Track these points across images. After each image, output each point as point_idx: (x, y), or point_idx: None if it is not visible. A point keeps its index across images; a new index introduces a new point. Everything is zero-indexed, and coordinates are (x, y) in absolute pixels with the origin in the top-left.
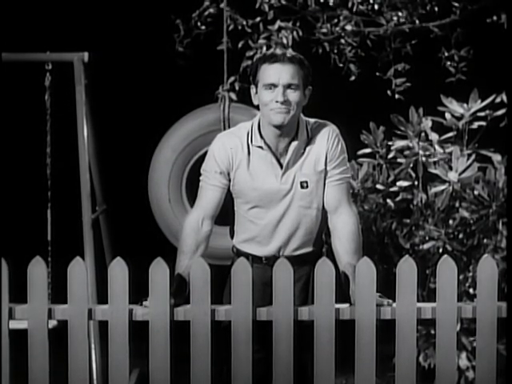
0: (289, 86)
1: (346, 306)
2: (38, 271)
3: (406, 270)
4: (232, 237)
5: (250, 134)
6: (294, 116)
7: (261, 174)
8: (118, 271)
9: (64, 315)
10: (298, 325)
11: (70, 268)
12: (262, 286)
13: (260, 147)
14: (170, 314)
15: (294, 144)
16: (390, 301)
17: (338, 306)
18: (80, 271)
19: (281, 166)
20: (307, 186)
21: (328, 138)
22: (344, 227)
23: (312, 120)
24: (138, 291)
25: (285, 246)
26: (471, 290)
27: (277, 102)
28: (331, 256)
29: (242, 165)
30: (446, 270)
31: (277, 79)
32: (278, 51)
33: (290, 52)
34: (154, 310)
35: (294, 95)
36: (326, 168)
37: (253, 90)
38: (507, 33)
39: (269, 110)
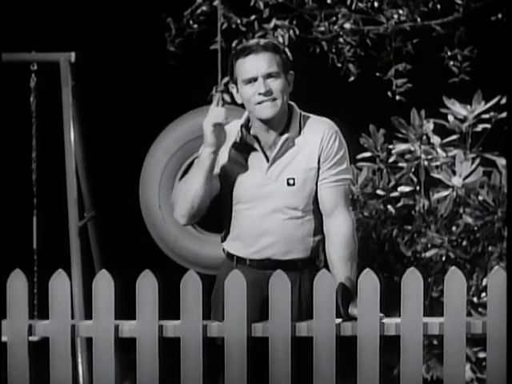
0: (269, 76)
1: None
2: (17, 285)
3: (412, 282)
4: (222, 238)
5: (239, 128)
6: (282, 106)
7: (246, 167)
8: (103, 285)
9: (45, 332)
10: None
11: (51, 281)
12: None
13: (246, 139)
14: (159, 330)
15: (284, 137)
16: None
17: (338, 321)
18: (63, 284)
19: (267, 159)
20: (294, 184)
21: (323, 135)
22: (338, 232)
23: (309, 115)
24: (127, 304)
25: (270, 249)
26: (475, 299)
27: (260, 94)
28: (326, 265)
29: (228, 156)
30: (454, 282)
31: (255, 71)
32: (250, 42)
33: (262, 40)
34: (142, 326)
35: (275, 83)
36: (318, 167)
37: (233, 89)
38: (507, 33)
39: (253, 104)
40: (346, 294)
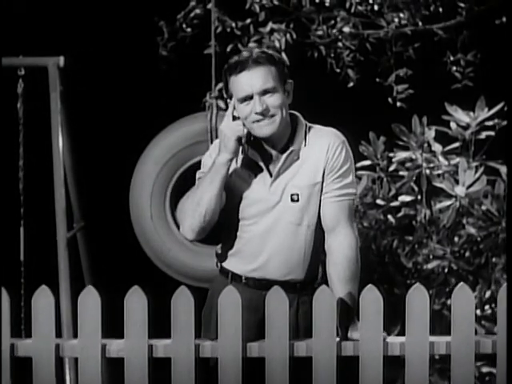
0: (265, 92)
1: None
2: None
3: (417, 299)
4: (218, 253)
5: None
6: (282, 121)
7: (249, 182)
8: (89, 302)
9: (28, 351)
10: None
11: (34, 298)
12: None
13: (249, 155)
14: (148, 350)
15: (288, 151)
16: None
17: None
18: (46, 301)
19: (270, 174)
20: (298, 200)
21: (329, 147)
22: (339, 250)
23: (314, 126)
24: (118, 321)
25: (269, 268)
26: (478, 312)
27: (256, 113)
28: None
29: (230, 170)
30: (462, 299)
31: (249, 89)
32: (242, 55)
33: (255, 52)
34: (130, 346)
35: (272, 99)
36: (323, 181)
37: (230, 103)
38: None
39: (251, 123)
40: (346, 316)
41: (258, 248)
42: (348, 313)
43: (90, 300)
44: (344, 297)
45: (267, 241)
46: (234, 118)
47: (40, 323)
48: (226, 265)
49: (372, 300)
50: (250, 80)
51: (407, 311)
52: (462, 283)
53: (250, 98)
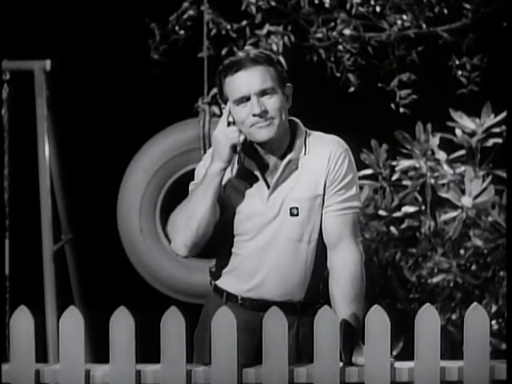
0: (263, 93)
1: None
2: None
3: (427, 321)
4: (212, 271)
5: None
6: (281, 125)
7: (244, 194)
8: (71, 323)
9: (6, 377)
10: None
11: (13, 319)
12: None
13: (245, 164)
14: (136, 376)
15: (286, 160)
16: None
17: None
18: (25, 323)
19: (267, 186)
20: (297, 214)
21: (330, 156)
22: (343, 268)
23: (316, 133)
24: (105, 341)
25: (267, 287)
26: None
27: (254, 115)
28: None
29: (224, 182)
30: (476, 321)
31: (246, 89)
32: (238, 55)
33: (252, 51)
34: (116, 372)
35: (271, 101)
36: (324, 193)
37: (225, 108)
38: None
39: (248, 127)
40: (350, 340)
41: (254, 266)
42: (352, 336)
43: (73, 321)
44: (348, 318)
45: (264, 258)
46: (229, 124)
47: (18, 347)
48: (220, 283)
49: (378, 321)
50: (248, 80)
51: (416, 333)
52: (475, 303)
53: (247, 99)
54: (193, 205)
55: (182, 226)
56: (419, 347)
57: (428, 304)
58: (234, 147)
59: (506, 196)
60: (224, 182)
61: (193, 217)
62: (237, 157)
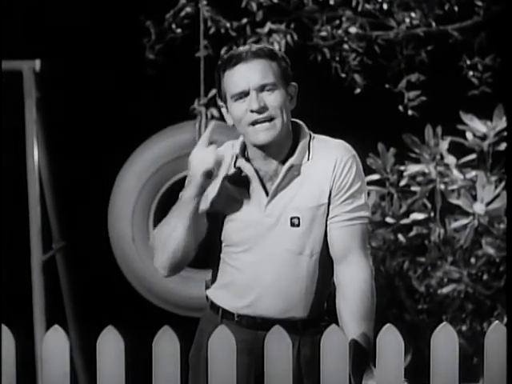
0: (263, 88)
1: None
2: None
3: (444, 341)
4: (208, 285)
5: (232, 154)
6: (283, 127)
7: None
8: (55, 345)
9: None
10: None
11: None
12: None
13: (241, 169)
14: None
15: (287, 165)
16: None
17: None
18: (6, 342)
19: (266, 193)
20: (298, 224)
21: (336, 162)
22: (351, 283)
23: (320, 137)
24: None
25: (264, 303)
26: None
27: (252, 111)
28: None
29: (219, 189)
30: (496, 341)
31: (245, 83)
32: (239, 49)
33: (254, 46)
34: None
35: (272, 98)
36: (329, 203)
37: (223, 108)
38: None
39: (246, 126)
40: (360, 362)
41: (250, 280)
42: (362, 357)
43: (56, 342)
44: (357, 338)
45: (261, 271)
46: (211, 143)
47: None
48: (215, 299)
49: (391, 342)
50: (247, 73)
51: (432, 356)
52: (496, 322)
53: (246, 94)
54: (170, 228)
55: (160, 247)
56: (435, 370)
57: (445, 323)
58: (208, 173)
59: (506, 196)
60: (218, 188)
61: (169, 240)
62: (233, 160)
